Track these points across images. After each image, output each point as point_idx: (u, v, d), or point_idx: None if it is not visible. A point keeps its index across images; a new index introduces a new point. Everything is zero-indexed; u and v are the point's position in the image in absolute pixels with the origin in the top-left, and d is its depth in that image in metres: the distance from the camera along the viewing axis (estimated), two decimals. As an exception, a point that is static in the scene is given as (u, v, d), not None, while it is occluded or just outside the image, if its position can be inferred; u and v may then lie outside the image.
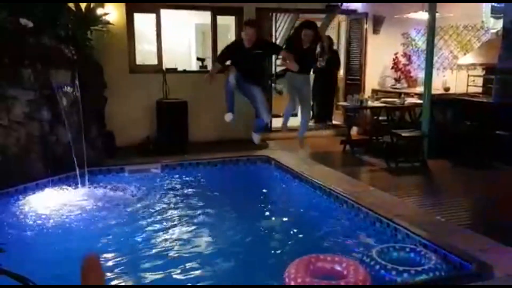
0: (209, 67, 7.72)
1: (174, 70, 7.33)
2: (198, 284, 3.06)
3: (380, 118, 7.55)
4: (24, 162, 5.00)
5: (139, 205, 4.67)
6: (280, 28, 10.90)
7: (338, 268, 2.95)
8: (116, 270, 3.28)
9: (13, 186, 4.72)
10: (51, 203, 4.57)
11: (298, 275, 2.76)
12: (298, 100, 6.57)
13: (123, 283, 3.13)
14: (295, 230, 4.12)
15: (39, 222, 4.11)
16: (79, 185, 5.13)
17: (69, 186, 5.13)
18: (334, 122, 9.36)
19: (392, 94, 8.30)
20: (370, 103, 7.49)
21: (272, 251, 3.76)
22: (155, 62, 7.30)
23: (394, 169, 6.16)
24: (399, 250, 3.21)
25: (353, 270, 2.84)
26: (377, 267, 2.95)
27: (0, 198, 4.51)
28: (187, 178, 5.68)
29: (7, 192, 4.63)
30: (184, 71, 7.58)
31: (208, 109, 7.24)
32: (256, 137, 6.25)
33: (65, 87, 5.37)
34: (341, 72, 9.53)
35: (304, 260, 3.00)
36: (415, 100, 7.67)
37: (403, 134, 6.35)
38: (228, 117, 5.84)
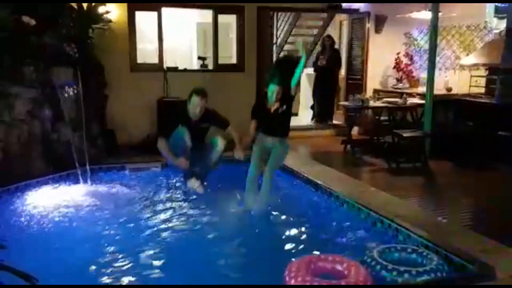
0: (210, 66, 7.73)
1: (175, 69, 7.32)
2: (199, 284, 3.04)
3: (382, 118, 7.54)
4: (25, 159, 5.00)
5: (139, 202, 4.68)
6: (281, 28, 10.92)
7: (338, 267, 2.94)
8: (117, 267, 3.28)
9: (15, 183, 4.72)
10: (52, 201, 4.58)
11: (299, 274, 2.76)
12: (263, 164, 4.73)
13: (125, 282, 3.12)
14: (294, 230, 4.11)
15: (40, 219, 4.11)
16: (81, 183, 5.14)
17: (70, 183, 5.14)
18: (335, 122, 9.35)
19: (394, 94, 8.28)
20: (371, 103, 7.48)
21: (272, 251, 3.75)
22: (156, 61, 7.29)
23: (395, 169, 6.15)
24: (400, 250, 3.21)
25: (354, 270, 2.83)
26: (378, 267, 2.95)
27: (1, 196, 4.51)
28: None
29: (8, 189, 4.63)
30: (185, 70, 7.57)
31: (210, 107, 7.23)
32: (196, 184, 4.89)
33: (67, 85, 5.37)
34: (343, 71, 9.51)
35: (304, 259, 3.00)
36: (417, 100, 7.65)
37: (405, 134, 6.34)
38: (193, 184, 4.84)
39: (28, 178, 4.88)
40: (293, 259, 3.08)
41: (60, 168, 5.21)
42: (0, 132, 4.77)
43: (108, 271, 3.22)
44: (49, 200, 4.59)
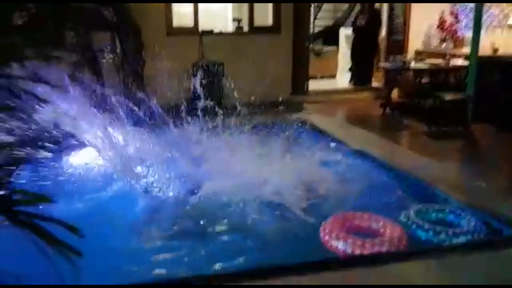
0: (246, 29, 7.62)
1: (210, 32, 7.29)
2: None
3: (423, 80, 7.31)
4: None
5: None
6: None
7: (374, 226, 2.96)
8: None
9: (56, 145, 4.89)
10: (94, 160, 4.74)
11: (334, 230, 2.80)
12: None
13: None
14: (329, 191, 4.10)
15: (84, 174, 4.25)
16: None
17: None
18: (374, 84, 9.13)
19: (436, 55, 7.97)
20: (412, 64, 7.24)
21: (307, 210, 3.76)
22: (192, 24, 7.27)
23: (436, 132, 6.00)
24: (438, 211, 3.17)
25: (389, 228, 2.84)
26: (414, 226, 2.93)
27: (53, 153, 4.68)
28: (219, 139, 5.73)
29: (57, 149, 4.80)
30: (220, 33, 7.53)
31: (244, 72, 7.20)
32: None
33: (105, 49, 5.47)
34: (383, 31, 9.19)
35: (339, 216, 3.02)
36: (461, 61, 7.35)
37: (447, 97, 6.14)
38: None
39: (69, 141, 5.06)
40: (327, 217, 3.10)
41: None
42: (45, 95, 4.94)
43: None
44: (91, 159, 4.75)
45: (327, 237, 2.77)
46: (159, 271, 2.71)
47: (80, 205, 3.70)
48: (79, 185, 4.10)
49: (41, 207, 1.32)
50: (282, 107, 6.52)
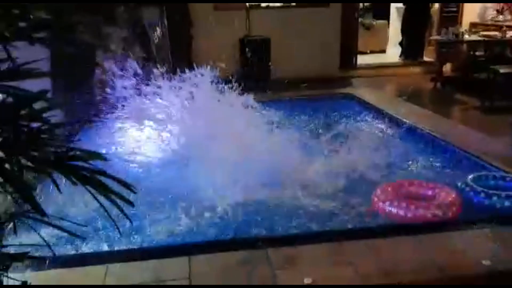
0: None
1: (257, 6, 7.27)
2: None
3: (477, 53, 7.00)
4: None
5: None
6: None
7: (428, 192, 2.99)
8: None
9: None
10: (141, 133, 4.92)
11: (389, 197, 2.83)
12: None
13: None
14: (378, 165, 4.07)
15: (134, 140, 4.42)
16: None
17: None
18: (425, 58, 8.83)
19: (492, 28, 7.58)
20: (466, 37, 6.94)
21: (358, 182, 3.74)
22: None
23: (489, 107, 5.77)
24: (498, 178, 3.13)
25: (444, 193, 2.85)
26: (468, 189, 2.95)
27: (105, 124, 4.89)
28: (269, 114, 5.77)
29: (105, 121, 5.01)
30: (268, 7, 7.49)
31: (291, 46, 7.17)
32: None
33: (155, 24, 5.60)
34: (436, 3, 8.83)
35: (392, 184, 3.06)
36: (519, 33, 6.97)
37: (502, 71, 5.87)
38: None
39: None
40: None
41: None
42: (97, 71, 5.16)
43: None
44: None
45: (380, 204, 2.83)
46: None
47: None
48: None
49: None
50: (330, 82, 6.48)
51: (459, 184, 3.08)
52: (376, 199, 2.88)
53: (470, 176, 3.11)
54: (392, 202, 2.77)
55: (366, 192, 3.17)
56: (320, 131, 4.99)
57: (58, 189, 1.28)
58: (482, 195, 2.84)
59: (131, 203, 1.28)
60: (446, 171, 3.81)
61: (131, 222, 1.39)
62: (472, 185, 2.94)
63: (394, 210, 2.74)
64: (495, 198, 2.80)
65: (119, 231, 1.65)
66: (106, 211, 1.31)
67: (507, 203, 2.76)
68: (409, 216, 2.68)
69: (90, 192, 1.30)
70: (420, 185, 3.06)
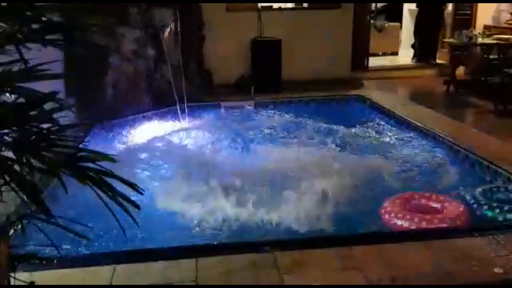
0: (305, 3, 7.51)
1: (269, 8, 7.26)
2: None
3: (491, 56, 6.91)
4: (132, 96, 5.42)
5: (233, 136, 4.86)
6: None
7: (435, 205, 2.98)
8: (210, 199, 3.46)
9: (122, 117, 5.16)
10: (156, 132, 4.97)
11: (395, 209, 2.82)
12: None
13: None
14: (388, 170, 4.04)
15: (144, 147, 4.48)
16: (180, 118, 5.48)
17: (171, 119, 5.50)
18: (438, 61, 8.74)
19: (507, 31, 7.48)
20: (480, 40, 6.86)
21: (367, 189, 3.71)
22: (251, -1, 7.27)
23: (502, 111, 5.70)
24: (505, 191, 3.09)
25: (451, 207, 2.83)
26: (479, 205, 2.90)
27: (114, 125, 4.94)
28: (280, 116, 5.78)
29: (115, 123, 5.06)
30: (280, 9, 7.48)
31: (303, 48, 7.14)
32: None
33: (167, 26, 5.62)
34: (449, 6, 8.74)
35: (402, 196, 3.07)
36: (534, 36, 6.87)
37: (516, 74, 5.79)
38: None
39: (134, 113, 5.30)
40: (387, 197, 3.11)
41: (162, 105, 5.58)
42: (110, 70, 5.19)
43: (205, 198, 3.43)
44: (153, 132, 4.98)
45: (387, 216, 2.82)
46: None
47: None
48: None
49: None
50: (342, 84, 6.42)
51: (467, 196, 3.08)
52: (383, 210, 2.88)
53: (480, 189, 3.08)
54: (397, 214, 2.78)
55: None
56: (329, 133, 4.99)
57: (65, 190, 1.29)
58: (497, 211, 2.81)
59: (137, 207, 1.28)
60: (455, 177, 3.77)
61: (136, 224, 1.38)
62: (480, 199, 2.92)
63: (399, 222, 2.76)
64: (497, 210, 2.78)
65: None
66: (114, 217, 1.31)
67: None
68: (413, 228, 2.70)
69: (98, 194, 1.30)
70: (429, 198, 3.06)
